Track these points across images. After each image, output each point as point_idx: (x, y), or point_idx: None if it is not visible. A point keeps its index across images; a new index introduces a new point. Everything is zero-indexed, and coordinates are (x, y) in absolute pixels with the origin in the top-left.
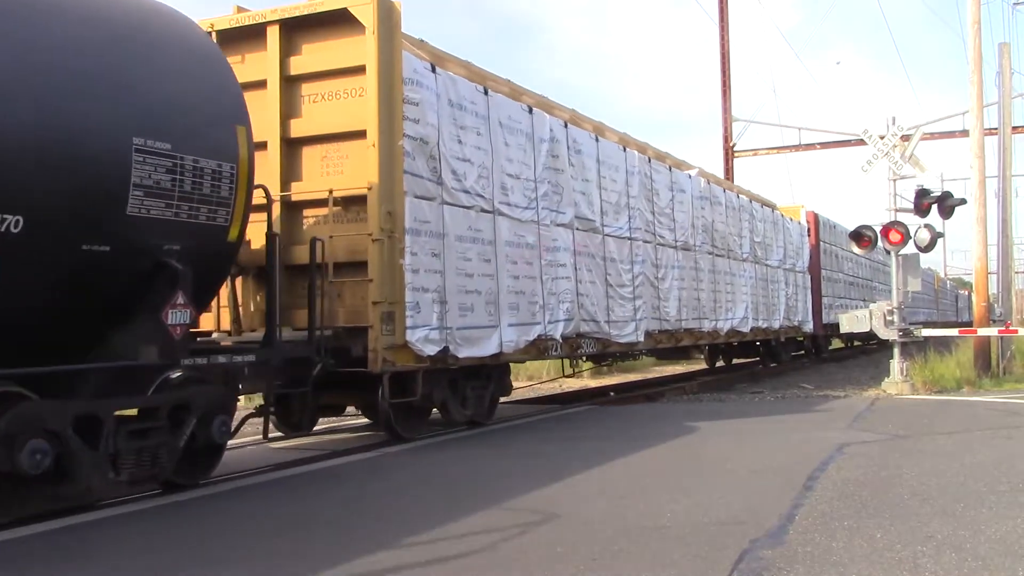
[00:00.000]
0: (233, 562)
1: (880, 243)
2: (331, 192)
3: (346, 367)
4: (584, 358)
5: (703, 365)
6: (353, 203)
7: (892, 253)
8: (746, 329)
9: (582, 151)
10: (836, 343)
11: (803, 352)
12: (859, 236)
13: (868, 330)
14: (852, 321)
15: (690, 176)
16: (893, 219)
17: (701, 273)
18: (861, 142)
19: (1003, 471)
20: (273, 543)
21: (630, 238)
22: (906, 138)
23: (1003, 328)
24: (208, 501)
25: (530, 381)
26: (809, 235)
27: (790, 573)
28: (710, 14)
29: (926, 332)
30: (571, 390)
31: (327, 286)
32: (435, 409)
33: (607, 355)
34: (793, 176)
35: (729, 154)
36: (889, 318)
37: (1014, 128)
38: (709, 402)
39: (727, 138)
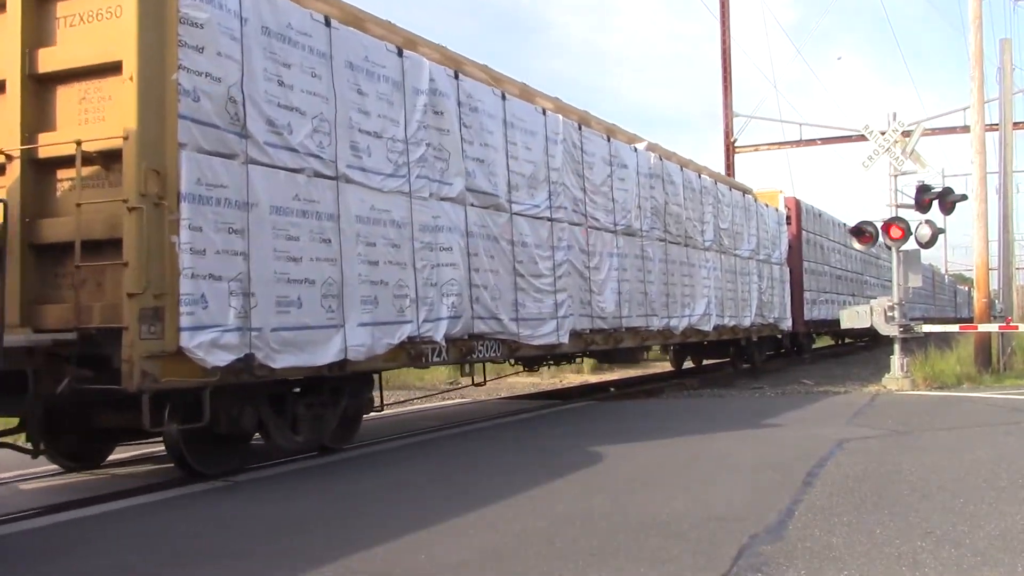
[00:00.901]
0: None
1: (881, 239)
2: (79, 144)
3: (106, 383)
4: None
5: (667, 367)
6: (115, 160)
7: (893, 249)
8: (708, 327)
9: (480, 109)
10: (824, 340)
11: (782, 351)
12: (860, 232)
13: (868, 326)
14: (853, 317)
15: (635, 150)
16: (894, 215)
17: (650, 263)
18: (862, 138)
19: (1003, 467)
20: None
21: (550, 219)
22: (907, 134)
23: (1004, 324)
24: None
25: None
26: (789, 223)
27: (789, 569)
28: (711, 10)
29: (926, 328)
30: (571, 385)
31: (76, 272)
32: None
33: (531, 359)
34: (794, 172)
35: (730, 150)
36: (890, 314)
37: (1015, 124)
38: (709, 397)
39: (728, 134)
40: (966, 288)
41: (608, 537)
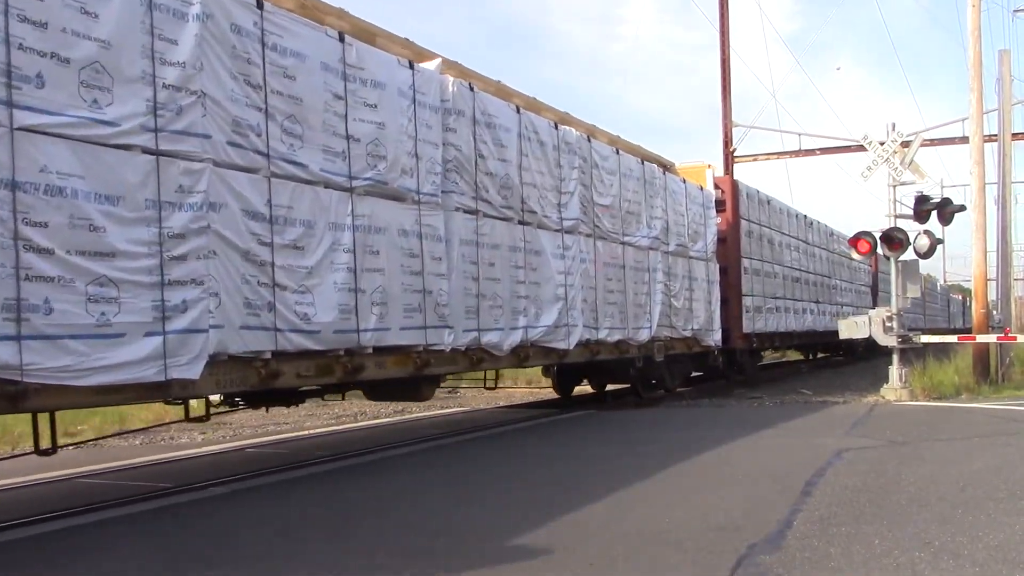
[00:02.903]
0: None
1: (879, 249)
2: None
3: None
4: None
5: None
6: None
7: (892, 260)
8: (565, 343)
9: None
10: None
11: (713, 372)
12: (859, 242)
13: (867, 336)
14: (851, 327)
15: (412, 66)
16: (893, 225)
17: (439, 244)
18: (861, 148)
19: (1002, 478)
20: None
21: (156, 151)
22: (906, 144)
23: (1002, 335)
24: None
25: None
26: (723, 209)
27: None
28: (711, 20)
29: (925, 339)
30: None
31: None
32: None
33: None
34: (793, 182)
35: (729, 159)
36: (888, 324)
37: (1014, 135)
38: (707, 408)
39: (727, 143)
40: (960, 297)
41: (606, 546)
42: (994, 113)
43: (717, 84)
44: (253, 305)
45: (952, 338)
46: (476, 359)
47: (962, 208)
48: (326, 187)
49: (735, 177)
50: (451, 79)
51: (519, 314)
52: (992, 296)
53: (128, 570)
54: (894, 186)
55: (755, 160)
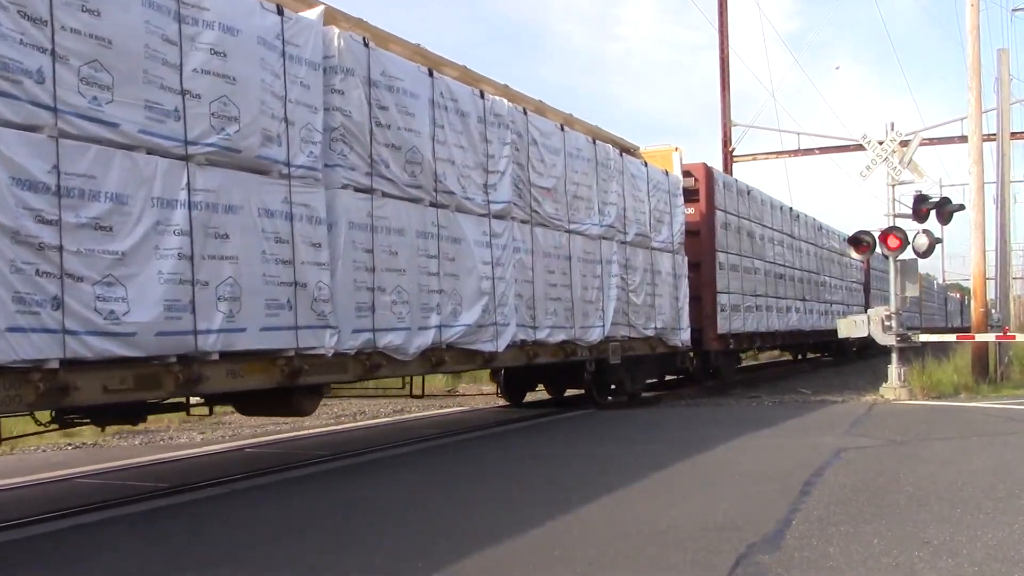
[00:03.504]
0: None
1: (878, 248)
2: None
3: None
4: None
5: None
6: None
7: (891, 259)
8: (493, 345)
9: None
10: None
11: (684, 375)
12: (858, 241)
13: (866, 335)
14: (850, 326)
15: (280, 12)
16: (892, 225)
17: (316, 228)
18: (860, 148)
19: (1000, 477)
20: None
21: None
22: (905, 144)
23: (1001, 334)
24: None
25: None
26: (696, 199)
27: None
28: (710, 19)
29: (924, 338)
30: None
31: None
32: None
33: None
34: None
35: (728, 159)
36: (887, 323)
37: (1013, 134)
38: (706, 407)
39: (726, 143)
40: (958, 296)
41: (606, 546)
42: (993, 112)
43: (716, 83)
44: (27, 301)
45: (951, 337)
46: (372, 365)
47: (961, 207)
48: (149, 152)
49: (708, 164)
50: (337, 31)
51: (431, 311)
52: (991, 295)
53: (128, 570)
54: (893, 185)
55: (754, 159)
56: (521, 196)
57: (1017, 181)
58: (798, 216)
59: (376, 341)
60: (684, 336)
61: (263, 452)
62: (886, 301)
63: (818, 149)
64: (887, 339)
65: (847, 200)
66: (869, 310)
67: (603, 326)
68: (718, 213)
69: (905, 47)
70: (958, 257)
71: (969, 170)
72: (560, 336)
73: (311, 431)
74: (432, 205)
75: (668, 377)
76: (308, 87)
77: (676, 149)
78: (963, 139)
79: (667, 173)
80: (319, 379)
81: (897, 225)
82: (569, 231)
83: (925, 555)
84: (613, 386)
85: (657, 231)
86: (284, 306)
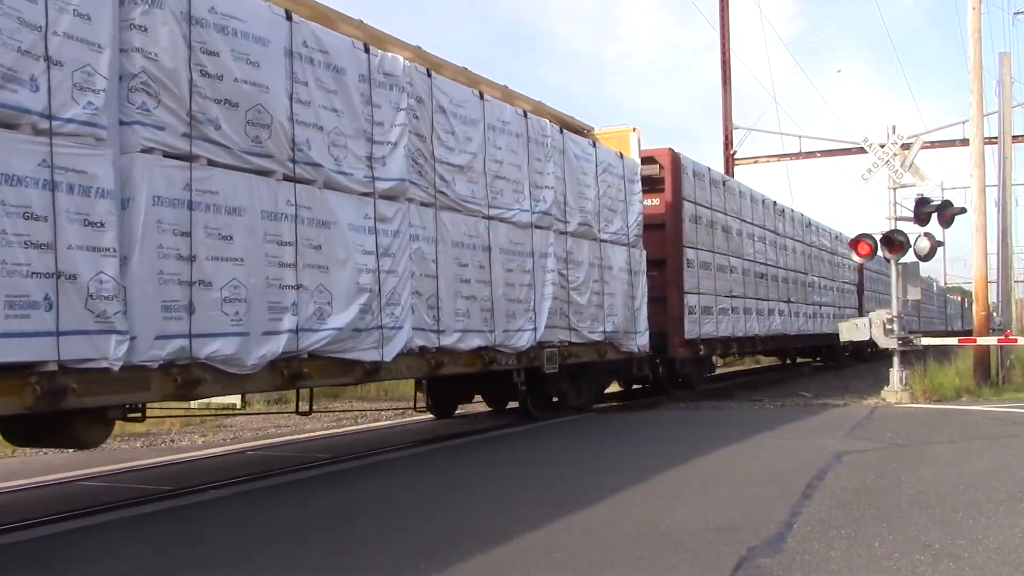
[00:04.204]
0: None
1: (880, 251)
2: None
3: None
4: None
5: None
6: None
7: (892, 262)
8: (376, 353)
9: None
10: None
11: (647, 385)
12: (859, 244)
13: (867, 338)
14: (852, 330)
15: None
16: (893, 228)
17: (93, 203)
18: (861, 151)
19: (1001, 480)
20: None
21: None
22: (906, 147)
23: (1003, 337)
24: None
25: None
26: (661, 188)
27: None
28: (711, 22)
29: (926, 341)
30: None
31: None
32: None
33: None
34: (794, 184)
35: (730, 161)
36: (889, 327)
37: (1014, 137)
38: (707, 409)
39: (728, 145)
40: (958, 299)
41: (606, 547)
42: (994, 115)
43: (717, 86)
44: None
45: (953, 340)
46: (188, 380)
47: (962, 210)
48: None
49: (674, 149)
50: None
51: (283, 312)
52: (993, 298)
53: (129, 572)
54: (894, 188)
55: (756, 162)
56: (422, 174)
57: (1019, 184)
58: (783, 211)
59: (195, 350)
60: (641, 340)
61: (265, 455)
62: (881, 303)
63: (819, 152)
64: (889, 342)
65: (849, 203)
66: (871, 313)
67: (535, 329)
68: (686, 204)
69: (906, 49)
70: (959, 260)
71: (971, 173)
72: (475, 341)
73: (312, 434)
74: (288, 179)
75: (635, 387)
76: (88, 19)
77: (634, 130)
78: (965, 142)
79: (621, 156)
80: (101, 400)
81: (899, 228)
82: (489, 217)
83: (927, 559)
84: (555, 399)
85: (608, 221)
86: (36, 306)
